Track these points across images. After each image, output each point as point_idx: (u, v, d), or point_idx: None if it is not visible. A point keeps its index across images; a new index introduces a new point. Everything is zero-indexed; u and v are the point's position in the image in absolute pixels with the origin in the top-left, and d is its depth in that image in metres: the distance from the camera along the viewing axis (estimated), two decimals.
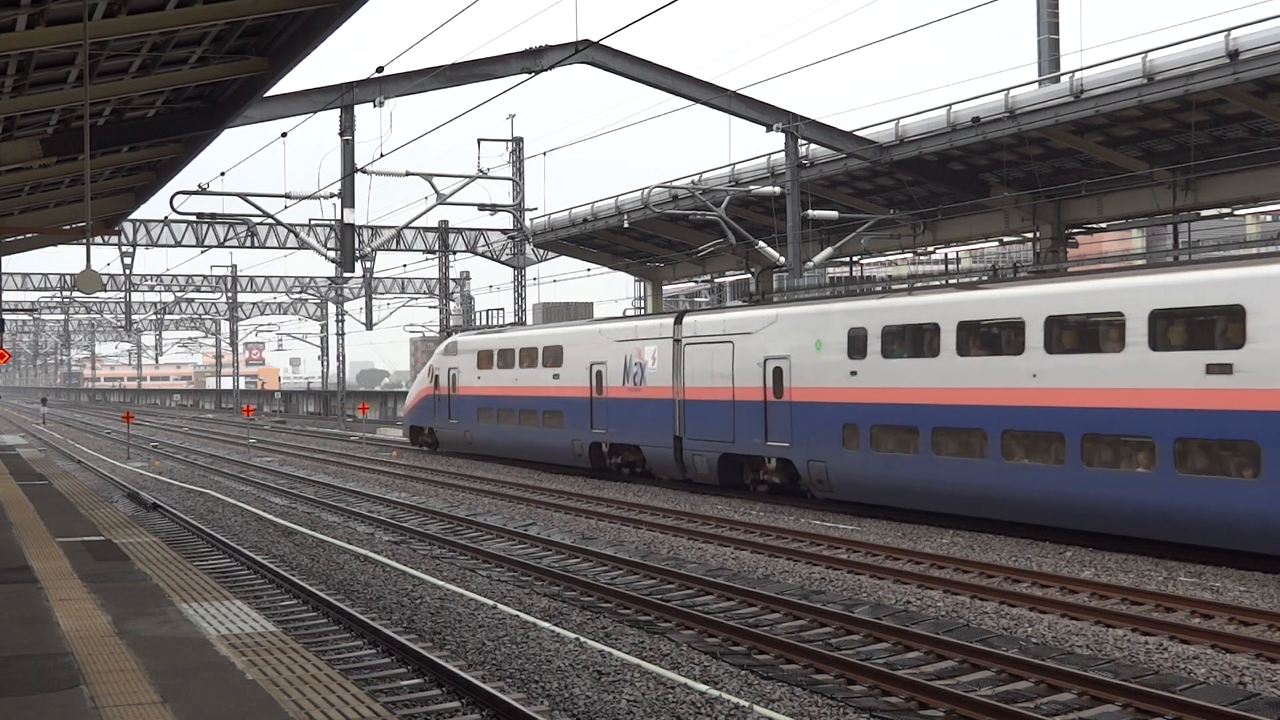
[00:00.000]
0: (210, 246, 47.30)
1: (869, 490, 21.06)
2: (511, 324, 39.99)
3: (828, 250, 31.03)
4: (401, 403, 71.60)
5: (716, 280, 49.63)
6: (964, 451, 19.05)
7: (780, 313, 23.13)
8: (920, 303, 20.04)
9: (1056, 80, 24.73)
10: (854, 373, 21.05)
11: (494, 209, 36.39)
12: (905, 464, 20.12)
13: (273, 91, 18.79)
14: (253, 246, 46.51)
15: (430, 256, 50.97)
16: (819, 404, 21.87)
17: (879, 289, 23.61)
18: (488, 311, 48.84)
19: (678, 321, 26.33)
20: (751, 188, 29.29)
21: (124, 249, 48.73)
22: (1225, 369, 15.44)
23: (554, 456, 31.45)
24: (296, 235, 35.15)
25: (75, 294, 72.30)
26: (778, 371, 22.91)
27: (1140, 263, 20.89)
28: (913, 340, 20.13)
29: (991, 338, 18.91)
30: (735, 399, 24.06)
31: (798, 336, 22.51)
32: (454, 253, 49.37)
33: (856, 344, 21.07)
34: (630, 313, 31.10)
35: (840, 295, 23.05)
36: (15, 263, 71.64)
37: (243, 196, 29.16)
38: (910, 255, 35.00)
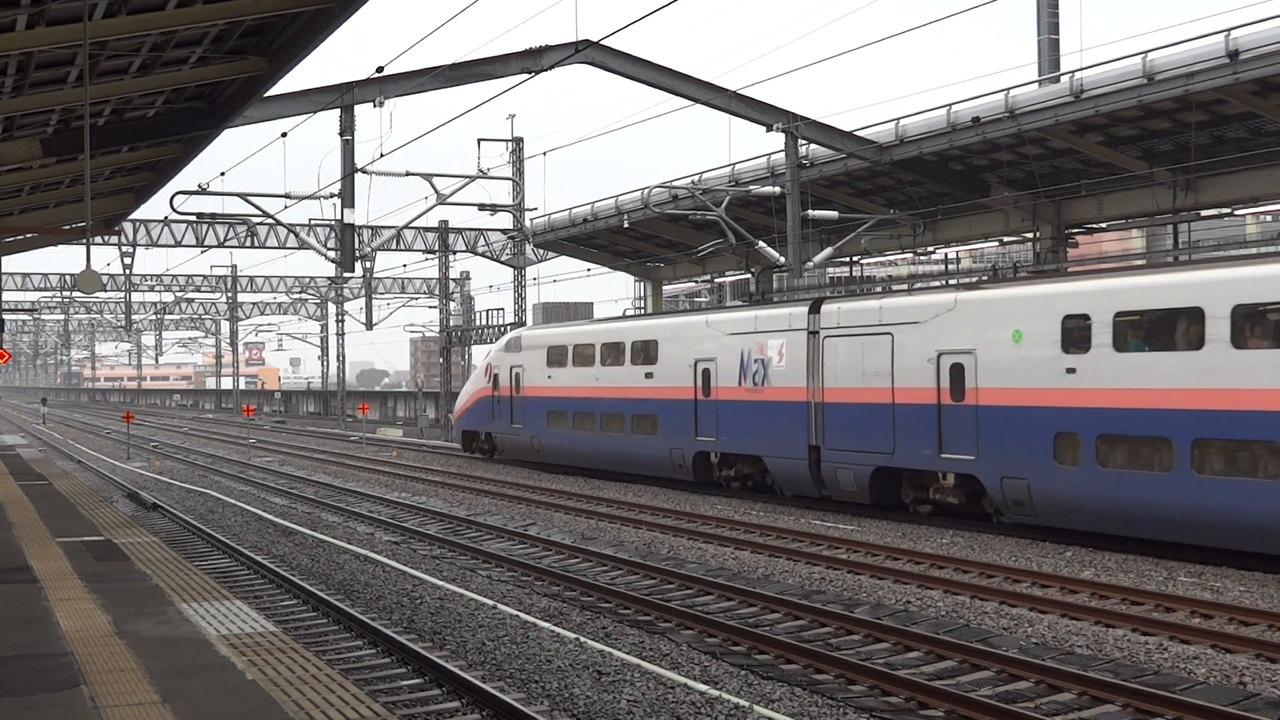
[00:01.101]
0: (210, 246, 47.30)
1: (1090, 515, 17.32)
2: (594, 318, 35.85)
3: (828, 250, 31.04)
4: (402, 403, 71.87)
5: (716, 280, 49.65)
6: (1243, 469, 15.39)
7: (961, 298, 19.40)
8: (1172, 282, 16.38)
9: (1056, 80, 24.74)
10: (1071, 370, 17.48)
11: (494, 209, 36.39)
12: (1149, 484, 16.39)
13: (273, 91, 18.79)
14: (253, 246, 46.51)
15: (430, 256, 50.98)
16: (1019, 408, 18.20)
17: (1108, 267, 20.04)
18: (488, 311, 48.92)
19: (814, 310, 22.42)
20: (751, 188, 29.28)
21: (124, 249, 48.72)
22: None
23: (645, 467, 27.64)
24: (296, 235, 35.16)
25: (75, 294, 72.30)
26: (957, 369, 19.27)
27: None
28: (1161, 329, 16.56)
29: None
30: (895, 402, 20.37)
31: (987, 326, 18.81)
32: (454, 253, 49.37)
33: (1075, 334, 17.49)
34: (738, 302, 27.24)
35: (1046, 275, 19.91)
36: (15, 263, 71.66)
37: (243, 196, 29.16)
38: (910, 255, 35.00)
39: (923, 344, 19.90)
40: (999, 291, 18.89)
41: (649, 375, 27.10)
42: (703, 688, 10.29)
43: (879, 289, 24.15)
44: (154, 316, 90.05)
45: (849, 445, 21.43)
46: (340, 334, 71.77)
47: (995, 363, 18.63)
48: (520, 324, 44.35)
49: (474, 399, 35.46)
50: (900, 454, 20.39)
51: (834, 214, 29.51)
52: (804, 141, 27.69)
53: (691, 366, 25.56)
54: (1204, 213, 25.47)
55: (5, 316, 38.33)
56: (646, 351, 27.30)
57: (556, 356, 30.99)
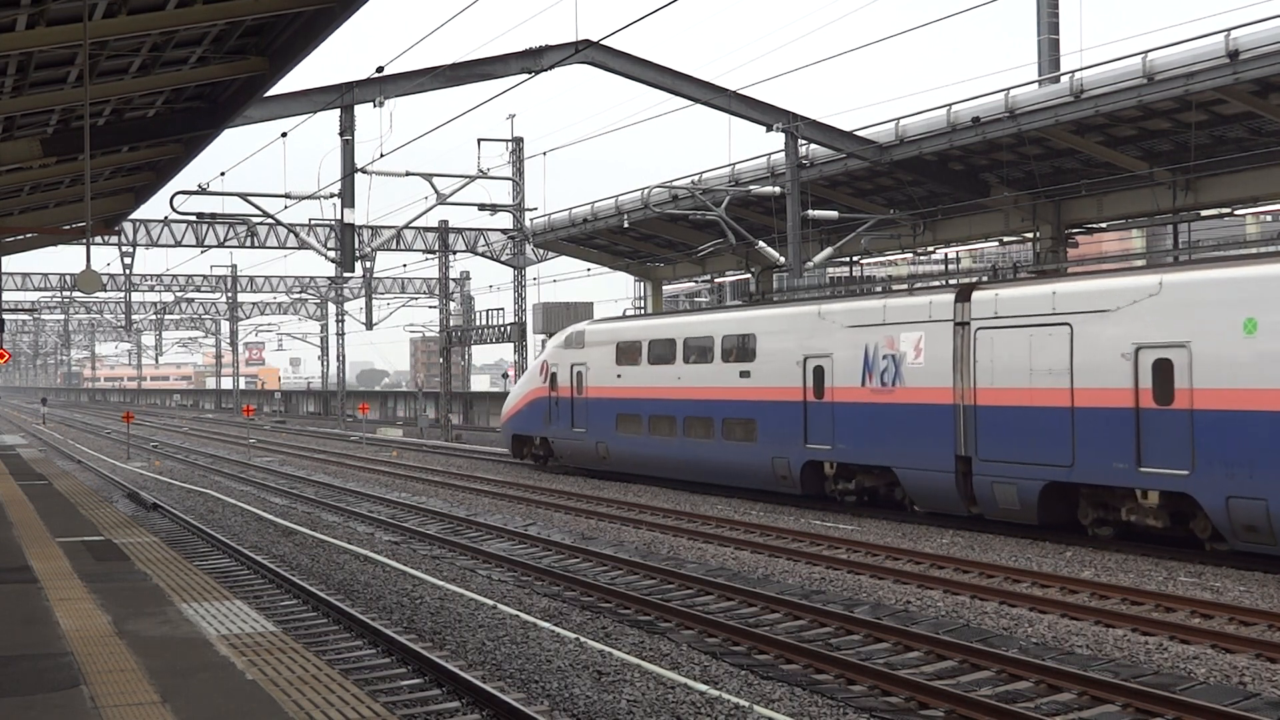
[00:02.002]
0: (210, 246, 47.32)
1: None
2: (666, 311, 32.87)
3: (828, 250, 31.04)
4: (402, 403, 71.93)
5: (716, 280, 49.66)
6: None
7: (1168, 280, 16.45)
8: None
9: (1056, 80, 24.73)
10: None
11: (494, 209, 36.39)
12: None
13: (273, 91, 18.79)
14: (253, 246, 46.53)
15: (430, 256, 50.98)
16: (1254, 414, 15.25)
17: None
18: (488, 311, 48.93)
19: (962, 298, 19.48)
20: (751, 188, 29.28)
21: (124, 249, 48.73)
22: None
23: (738, 478, 24.65)
24: (296, 235, 35.16)
25: (75, 294, 72.30)
26: (1162, 365, 16.36)
27: None
28: None
29: None
30: (1075, 405, 17.48)
31: (1206, 315, 15.85)
32: (454, 253, 49.37)
33: None
34: (881, 290, 23.84)
35: None
36: (15, 263, 71.66)
37: (243, 196, 29.16)
38: (910, 255, 35.00)
39: (1114, 336, 17.00)
40: (1223, 272, 15.89)
41: (745, 374, 24.07)
42: (703, 688, 10.29)
43: (1042, 271, 21.87)
44: (154, 316, 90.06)
45: (1012, 456, 18.30)
46: (340, 334, 71.79)
47: (1218, 359, 15.71)
48: (521, 324, 44.35)
49: (527, 400, 32.24)
50: (1082, 467, 17.35)
51: (834, 214, 29.51)
52: (804, 141, 27.69)
53: (800, 364, 22.60)
54: (1204, 213, 25.47)
55: (5, 316, 38.33)
56: (742, 347, 24.34)
57: (628, 353, 28.07)
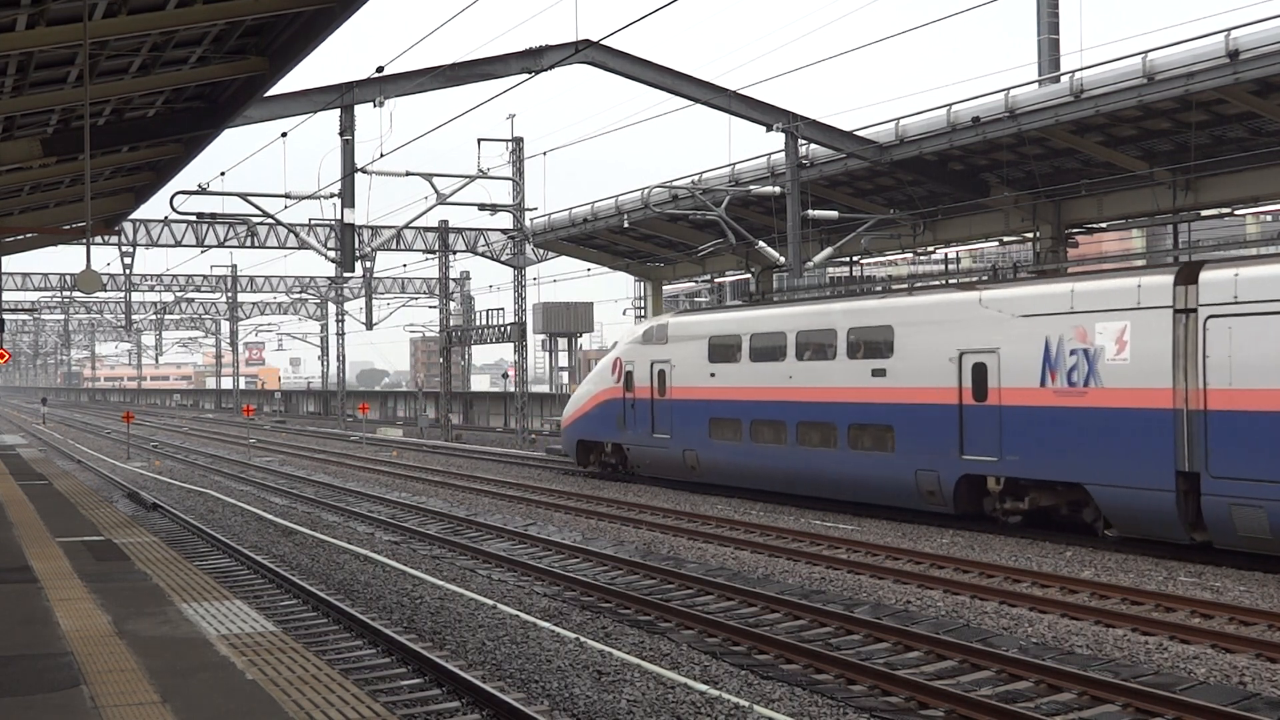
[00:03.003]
0: (210, 246, 47.32)
1: None
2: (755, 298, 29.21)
3: (828, 250, 31.03)
4: (402, 403, 71.94)
5: (716, 280, 49.65)
6: None
7: None
8: None
9: (1056, 80, 24.73)
10: None
11: (494, 209, 36.38)
12: None
13: (273, 91, 18.77)
14: (253, 246, 46.53)
15: (430, 256, 50.98)
16: None
17: None
18: (488, 311, 48.94)
19: (1185, 279, 16.41)
20: (751, 188, 29.28)
21: (124, 249, 48.72)
22: None
23: (869, 493, 21.49)
24: (296, 235, 35.14)
25: (75, 294, 72.29)
26: None
27: None
28: None
29: None
30: None
31: None
32: (454, 253, 49.37)
33: None
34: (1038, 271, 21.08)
35: None
36: (15, 263, 71.60)
37: (243, 196, 29.15)
38: (910, 255, 35.00)
39: None
40: None
41: (879, 373, 20.96)
42: (703, 688, 10.29)
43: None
44: (154, 316, 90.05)
45: (1260, 473, 15.17)
46: (340, 334, 71.78)
47: None
48: (521, 324, 44.31)
49: (595, 401, 29.10)
50: None
51: (834, 214, 29.50)
52: (804, 141, 27.69)
53: (954, 361, 19.53)
54: (1204, 213, 25.47)
55: (5, 316, 38.33)
56: (874, 341, 21.24)
57: (724, 348, 24.98)
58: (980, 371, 19.13)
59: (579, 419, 29.91)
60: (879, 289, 27.40)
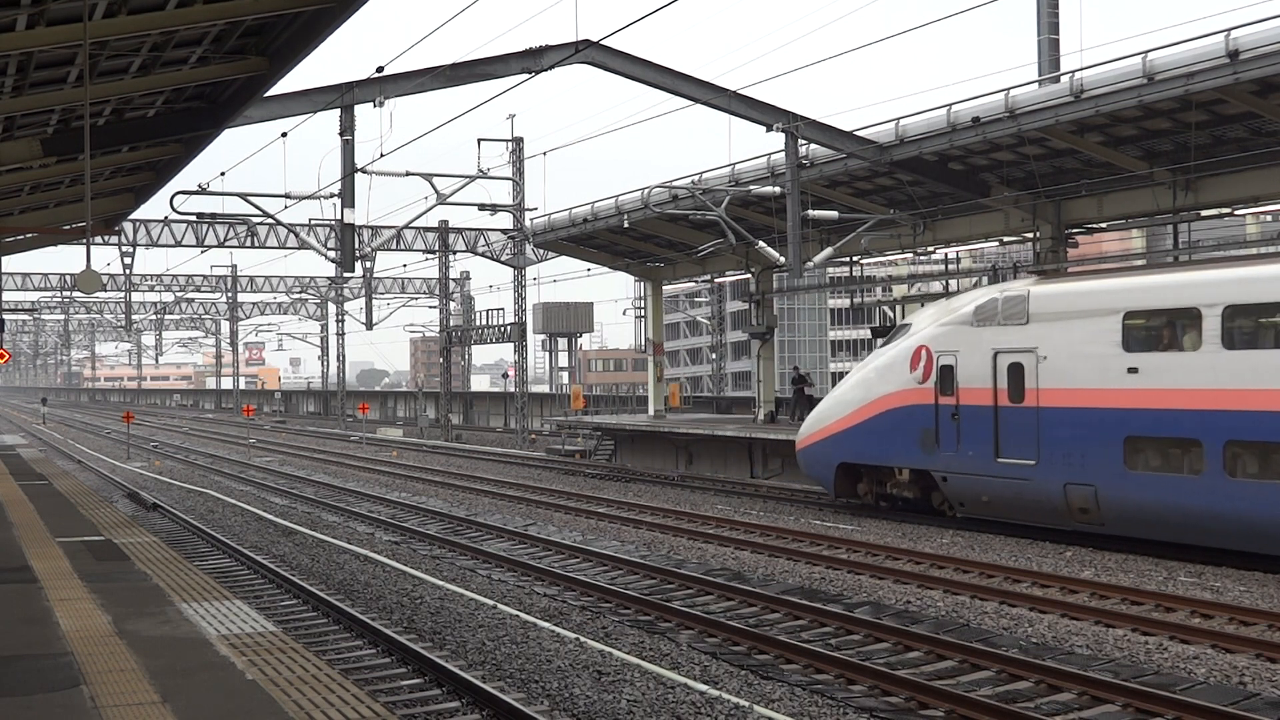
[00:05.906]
0: (210, 246, 47.31)
1: None
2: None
3: (828, 250, 31.03)
4: (402, 403, 71.94)
5: (716, 280, 49.65)
6: None
7: None
8: None
9: (1056, 80, 24.72)
10: None
11: (494, 209, 36.39)
12: None
13: (273, 91, 18.77)
14: (253, 246, 46.53)
15: (430, 256, 50.98)
16: None
17: None
18: (488, 311, 48.93)
19: None
20: (751, 188, 29.27)
21: (124, 249, 48.70)
22: None
23: None
24: (296, 235, 35.15)
25: (75, 294, 72.28)
26: None
27: None
28: None
29: None
30: None
31: None
32: (454, 253, 49.36)
33: None
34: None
35: None
36: (15, 263, 71.52)
37: (243, 196, 29.14)
38: (910, 255, 35.00)
39: None
40: None
41: None
42: (703, 688, 10.29)
43: None
44: (154, 316, 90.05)
45: None
46: (340, 334, 71.76)
47: None
48: (521, 324, 44.23)
49: (874, 409, 21.22)
50: None
51: (834, 214, 29.49)
52: (804, 141, 27.67)
53: None
54: (1204, 213, 25.47)
55: (5, 316, 38.32)
56: None
57: (1157, 329, 17.28)
58: None
59: (840, 433, 21.81)
60: None
